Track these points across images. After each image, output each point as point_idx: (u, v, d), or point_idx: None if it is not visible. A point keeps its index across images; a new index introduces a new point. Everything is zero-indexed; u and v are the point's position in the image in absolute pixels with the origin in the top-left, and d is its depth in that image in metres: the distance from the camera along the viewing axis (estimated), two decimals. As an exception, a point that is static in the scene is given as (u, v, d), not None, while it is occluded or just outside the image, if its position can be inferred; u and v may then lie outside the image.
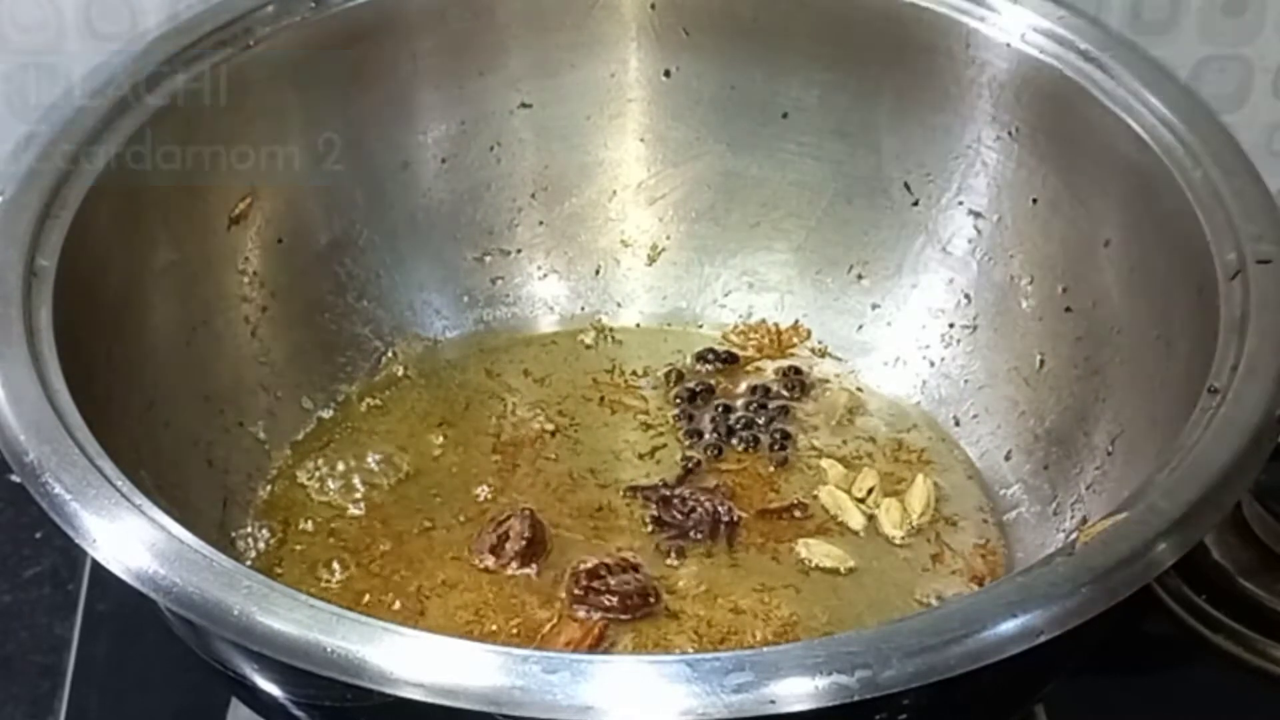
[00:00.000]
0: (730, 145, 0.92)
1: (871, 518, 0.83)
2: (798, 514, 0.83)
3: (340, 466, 0.85)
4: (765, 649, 0.59)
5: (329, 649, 0.59)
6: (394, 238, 0.90)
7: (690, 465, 0.85)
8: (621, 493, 0.84)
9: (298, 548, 0.82)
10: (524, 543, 0.80)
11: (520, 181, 0.92)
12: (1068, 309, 0.84)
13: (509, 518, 0.81)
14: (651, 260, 0.93)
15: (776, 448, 0.86)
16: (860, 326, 0.91)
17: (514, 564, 0.80)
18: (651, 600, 0.78)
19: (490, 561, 0.80)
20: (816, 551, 0.81)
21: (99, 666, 0.83)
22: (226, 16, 0.83)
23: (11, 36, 0.93)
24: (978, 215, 0.87)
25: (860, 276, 0.91)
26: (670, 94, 0.91)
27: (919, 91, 0.87)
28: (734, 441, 0.87)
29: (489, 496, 0.84)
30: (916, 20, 0.86)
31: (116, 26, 0.93)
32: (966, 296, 0.88)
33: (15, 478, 0.66)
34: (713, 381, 0.90)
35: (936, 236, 0.89)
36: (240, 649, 0.63)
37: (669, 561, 0.81)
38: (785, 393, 0.89)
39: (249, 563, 0.79)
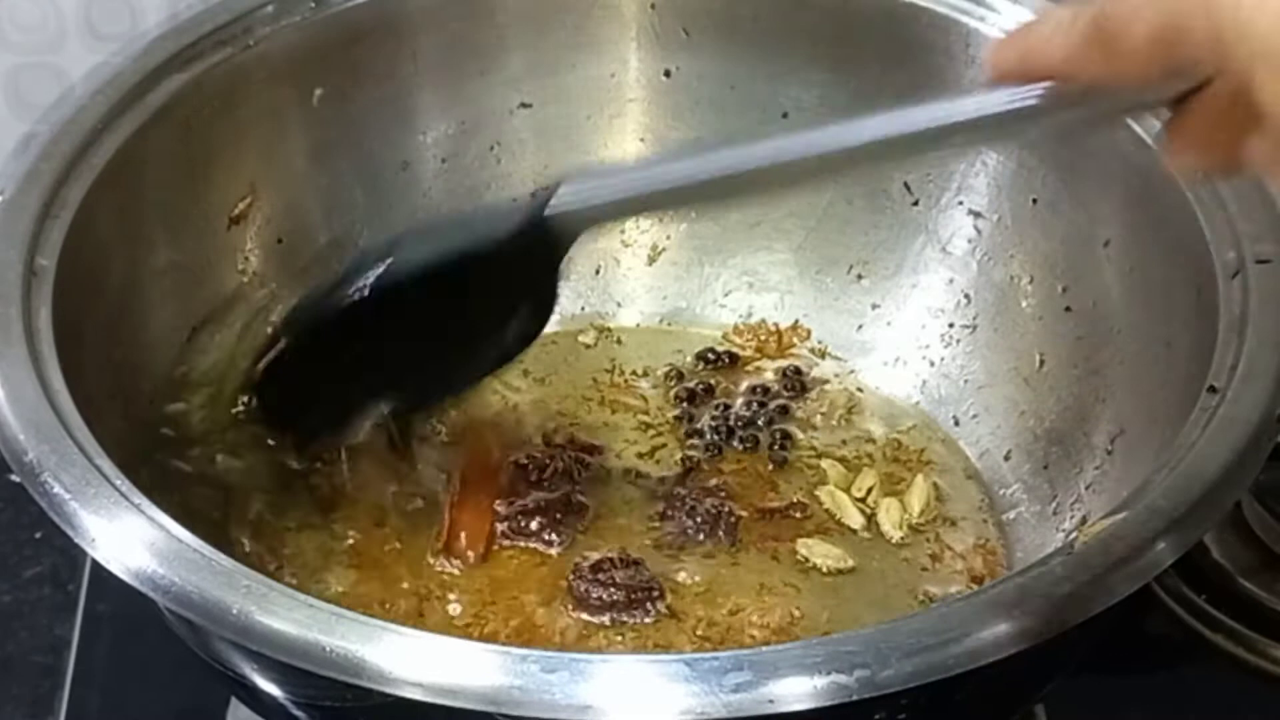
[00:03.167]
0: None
1: (871, 518, 0.83)
2: (797, 514, 0.83)
3: (340, 467, 0.85)
4: (764, 649, 0.59)
5: (328, 649, 0.59)
6: (394, 238, 0.90)
7: (690, 465, 0.85)
8: (621, 492, 0.84)
9: (298, 548, 0.82)
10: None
11: (520, 181, 0.92)
12: (1068, 309, 0.84)
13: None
14: (651, 260, 0.93)
15: (776, 448, 0.86)
16: (860, 326, 0.91)
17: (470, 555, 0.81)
18: (655, 594, 0.78)
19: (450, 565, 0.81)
20: (816, 551, 0.81)
21: (99, 666, 0.83)
22: (226, 16, 0.83)
23: (11, 36, 0.93)
24: (978, 215, 0.87)
25: (860, 276, 0.91)
26: (670, 94, 0.91)
27: (919, 91, 0.87)
28: (734, 441, 0.87)
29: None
30: (916, 20, 0.86)
31: (116, 26, 0.93)
32: (966, 296, 0.88)
33: (15, 478, 0.66)
34: (713, 381, 0.90)
35: (936, 236, 0.89)
36: (240, 649, 0.63)
37: (669, 561, 0.81)
38: (785, 393, 0.89)
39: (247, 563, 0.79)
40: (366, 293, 0.73)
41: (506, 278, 0.73)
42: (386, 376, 0.77)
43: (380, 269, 0.73)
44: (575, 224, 0.71)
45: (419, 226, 0.83)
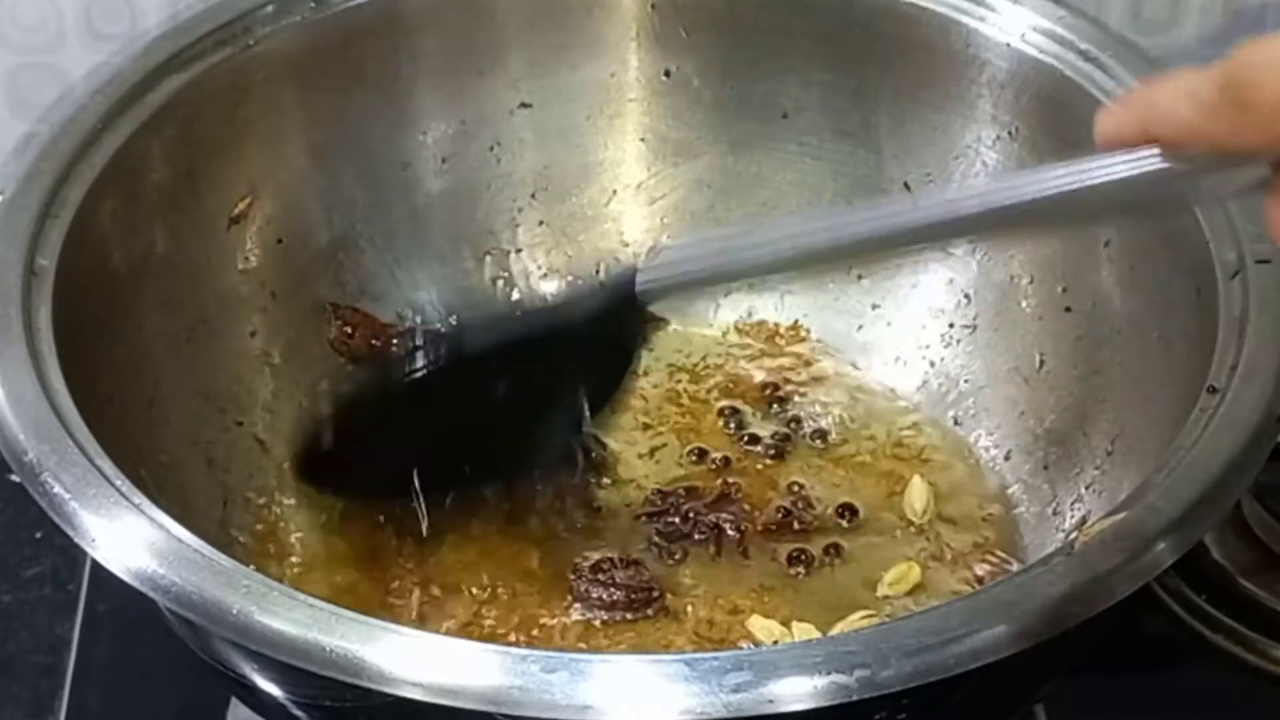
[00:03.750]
0: (730, 145, 0.92)
1: (871, 517, 0.84)
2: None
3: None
4: (764, 649, 0.59)
5: (328, 649, 0.59)
6: (394, 238, 0.90)
7: (690, 464, 0.85)
8: (621, 492, 0.84)
9: (298, 547, 0.82)
10: None
11: (520, 181, 0.92)
12: (1068, 309, 0.84)
13: None
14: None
15: (776, 447, 0.86)
16: (860, 326, 0.91)
17: None
18: (655, 595, 0.78)
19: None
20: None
21: (99, 666, 0.83)
22: (226, 16, 0.83)
23: (11, 36, 0.93)
24: (978, 215, 0.87)
25: (860, 276, 0.91)
26: (670, 94, 0.91)
27: (919, 91, 0.87)
28: (733, 440, 0.87)
29: (489, 496, 0.84)
30: (916, 20, 0.86)
31: (116, 26, 0.93)
32: (966, 296, 0.88)
33: (15, 477, 0.66)
34: (713, 381, 0.90)
35: (937, 236, 0.88)
36: (240, 648, 0.63)
37: (669, 561, 0.81)
38: (784, 393, 0.89)
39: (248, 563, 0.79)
40: (431, 370, 0.71)
41: (576, 357, 0.72)
42: (443, 456, 0.77)
43: (446, 349, 0.71)
44: (656, 297, 0.71)
45: (489, 314, 0.81)
